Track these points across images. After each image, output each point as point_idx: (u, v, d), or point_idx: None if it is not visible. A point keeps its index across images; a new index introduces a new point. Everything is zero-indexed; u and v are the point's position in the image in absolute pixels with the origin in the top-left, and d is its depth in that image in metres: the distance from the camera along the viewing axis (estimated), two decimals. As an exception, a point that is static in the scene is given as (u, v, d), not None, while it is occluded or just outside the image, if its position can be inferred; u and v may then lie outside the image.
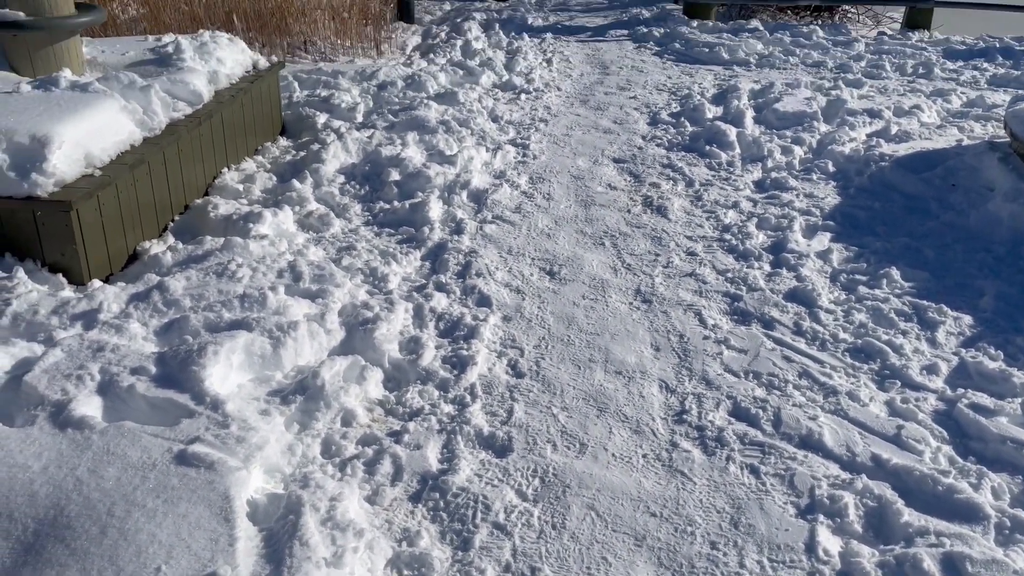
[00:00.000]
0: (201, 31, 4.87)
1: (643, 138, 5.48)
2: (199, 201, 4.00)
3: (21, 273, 2.91)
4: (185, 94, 4.05)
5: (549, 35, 8.32)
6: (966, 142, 5.08)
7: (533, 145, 5.27)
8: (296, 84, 6.05)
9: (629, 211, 4.37)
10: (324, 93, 5.80)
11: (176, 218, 3.84)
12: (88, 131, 3.24)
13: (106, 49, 4.38)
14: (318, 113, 5.38)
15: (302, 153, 4.78)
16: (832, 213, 4.29)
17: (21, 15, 3.61)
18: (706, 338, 3.18)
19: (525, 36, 8.14)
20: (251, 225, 3.65)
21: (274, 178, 4.47)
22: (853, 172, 4.78)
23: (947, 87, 6.56)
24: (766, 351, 3.09)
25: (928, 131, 5.42)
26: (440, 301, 3.34)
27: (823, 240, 3.99)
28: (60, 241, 3.04)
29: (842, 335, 3.18)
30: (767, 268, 3.73)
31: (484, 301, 3.39)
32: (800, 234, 4.05)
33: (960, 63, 7.34)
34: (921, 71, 7.04)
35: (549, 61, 7.34)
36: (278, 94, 5.23)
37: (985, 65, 7.27)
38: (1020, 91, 6.34)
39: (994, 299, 3.41)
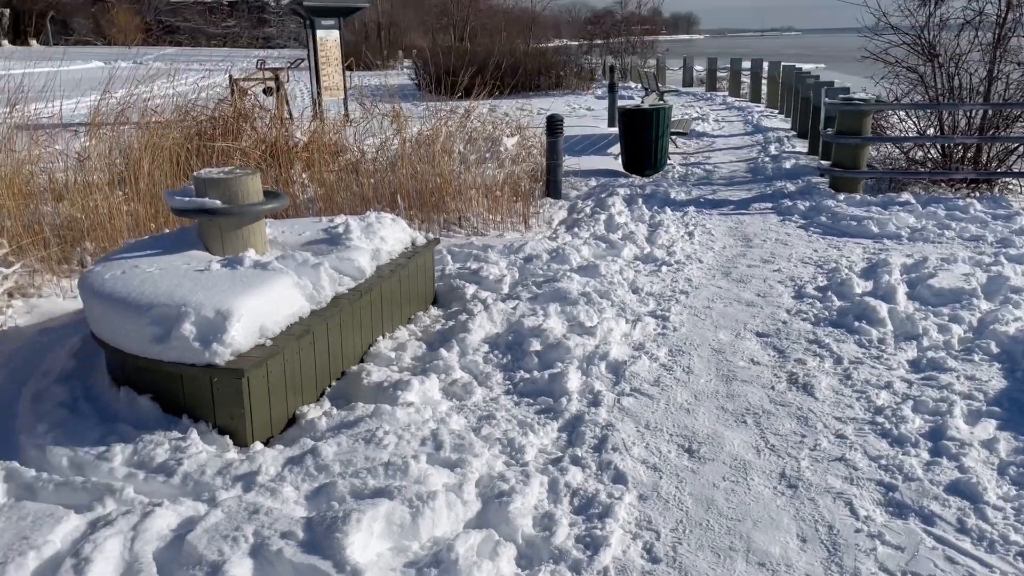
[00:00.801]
0: (368, 212, 5.38)
1: (787, 312, 5.41)
2: (355, 368, 4.28)
3: (194, 434, 3.20)
4: (350, 270, 4.44)
5: (691, 208, 8.53)
6: None
7: (673, 317, 5.32)
8: (449, 257, 6.48)
9: (773, 388, 4.27)
10: (474, 266, 6.17)
11: (333, 383, 4.12)
12: (264, 305, 3.61)
13: (286, 230, 4.92)
14: (468, 284, 5.71)
15: (451, 323, 5.05)
16: (998, 398, 4.01)
17: (218, 203, 4.16)
18: (858, 531, 2.99)
19: (667, 210, 8.39)
20: (399, 392, 3.85)
21: (424, 346, 4.73)
22: (1020, 354, 4.48)
23: None
24: (926, 549, 2.86)
25: (1106, 310, 5.04)
26: (575, 476, 3.35)
27: (988, 428, 3.72)
28: (230, 405, 3.33)
29: (1013, 536, 2.91)
30: (925, 456, 3.51)
31: (620, 478, 3.37)
32: (961, 420, 3.80)
33: None
34: (1095, 245, 6.63)
35: (691, 234, 7.49)
36: (432, 267, 5.61)
37: None
38: None
39: None
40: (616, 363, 4.55)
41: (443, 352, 4.52)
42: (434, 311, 5.43)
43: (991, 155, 9.63)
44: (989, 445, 3.55)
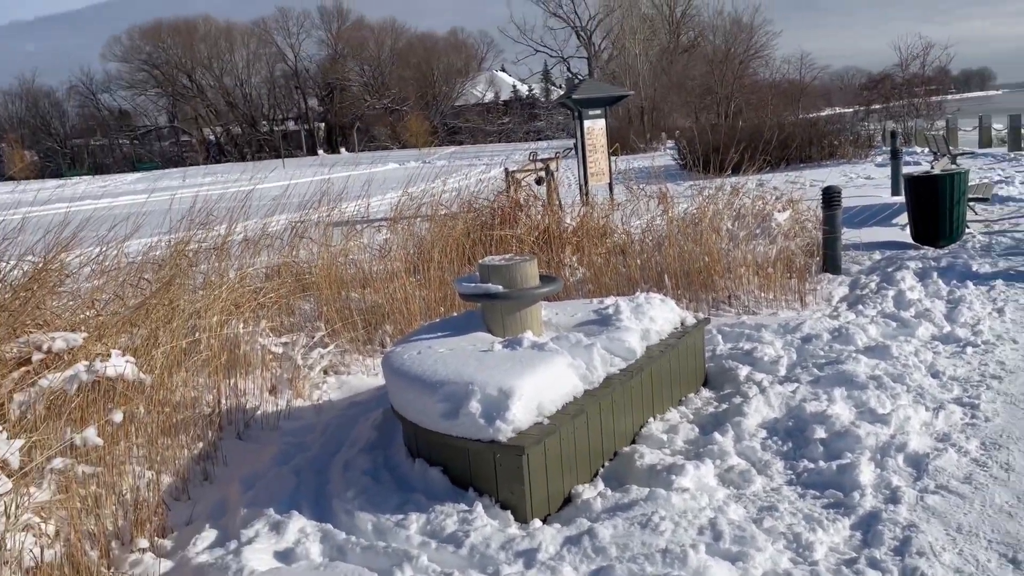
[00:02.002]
0: (637, 293, 5.44)
1: None
2: (626, 449, 4.27)
3: (479, 508, 3.37)
4: (621, 350, 4.49)
5: (999, 282, 7.58)
6: None
7: (984, 405, 4.70)
8: (719, 337, 6.31)
9: (1120, 494, 3.59)
10: (747, 346, 5.95)
11: (606, 464, 4.14)
12: (541, 384, 3.76)
13: (559, 311, 5.11)
14: (740, 366, 5.50)
15: (724, 406, 4.89)
16: None
17: (500, 288, 4.44)
18: None
19: (969, 284, 7.53)
20: (673, 477, 3.77)
21: (696, 429, 4.61)
22: None
23: None
24: None
25: None
26: (873, 581, 3.03)
27: None
28: (511, 481, 3.47)
29: None
30: None
31: (928, 588, 2.99)
32: None
33: None
34: None
35: (1000, 311, 6.63)
36: (702, 347, 5.50)
37: None
38: None
39: None
40: (916, 456, 4.10)
41: (717, 436, 4.37)
42: (705, 393, 5.29)
43: None
44: None
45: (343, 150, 61.77)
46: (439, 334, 4.51)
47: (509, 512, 3.46)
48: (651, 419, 4.71)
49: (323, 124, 67.72)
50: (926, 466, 3.98)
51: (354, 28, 70.06)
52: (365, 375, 5.82)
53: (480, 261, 4.66)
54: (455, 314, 5.25)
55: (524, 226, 8.58)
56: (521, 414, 3.56)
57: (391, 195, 8.59)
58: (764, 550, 3.14)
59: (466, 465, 3.63)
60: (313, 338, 5.80)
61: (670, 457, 4.14)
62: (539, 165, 14.26)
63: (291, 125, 67.91)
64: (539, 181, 13.36)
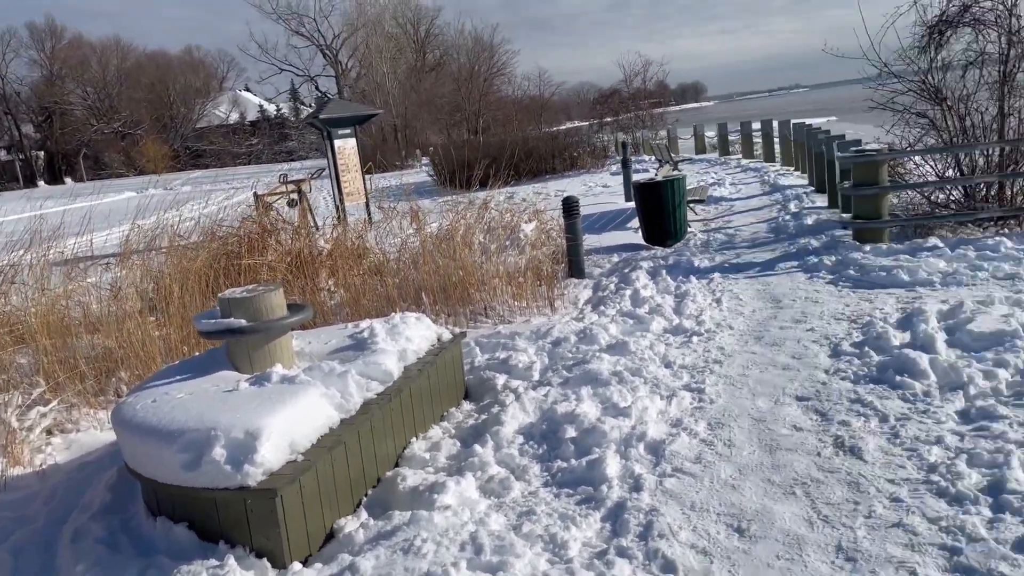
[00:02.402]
0: (392, 314, 5.42)
1: (826, 372, 5.28)
2: (389, 473, 4.23)
3: (231, 560, 3.16)
4: (378, 374, 4.44)
5: (717, 275, 8.48)
6: None
7: (709, 389, 5.22)
8: (477, 349, 6.47)
9: (819, 454, 4.13)
10: (503, 355, 6.14)
11: (369, 492, 4.06)
12: (293, 420, 3.61)
13: (312, 340, 4.96)
14: (497, 375, 5.67)
15: (483, 416, 5.00)
16: (1057, 443, 3.84)
17: (243, 322, 4.22)
18: (925, 603, 2.83)
19: (693, 278, 8.35)
20: (436, 496, 3.79)
21: (458, 444, 4.67)
22: (1074, 393, 4.31)
23: None
24: (1001, 618, 2.68)
25: None
26: (622, 569, 3.23)
27: (1051, 476, 3.55)
28: (265, 526, 3.30)
29: (1095, 595, 2.73)
30: (987, 513, 3.34)
31: (669, 567, 3.25)
32: (1020, 470, 3.63)
33: None
34: None
35: (719, 300, 7.42)
36: (461, 361, 5.60)
37: None
38: None
39: None
40: (655, 443, 4.45)
41: (477, 448, 4.46)
42: (466, 405, 5.39)
43: (1015, 191, 9.52)
44: (1054, 495, 3.38)
45: (68, 180, 55.88)
46: (179, 377, 4.19)
47: (265, 560, 3.28)
48: (413, 439, 4.70)
49: (42, 152, 60.84)
50: (663, 451, 4.33)
51: (72, 47, 63.58)
52: (98, 430, 5.27)
53: (220, 295, 4.39)
54: (198, 354, 4.91)
55: (275, 252, 8.26)
56: (271, 454, 3.40)
57: (124, 227, 7.88)
58: (523, 556, 3.24)
59: (214, 517, 3.40)
60: (31, 395, 5.15)
61: (433, 475, 4.16)
62: (290, 187, 13.83)
63: (3, 155, 60.32)
64: (291, 204, 12.94)
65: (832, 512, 3.54)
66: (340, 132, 13.18)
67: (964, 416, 4.33)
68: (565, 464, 4.26)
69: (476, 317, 7.60)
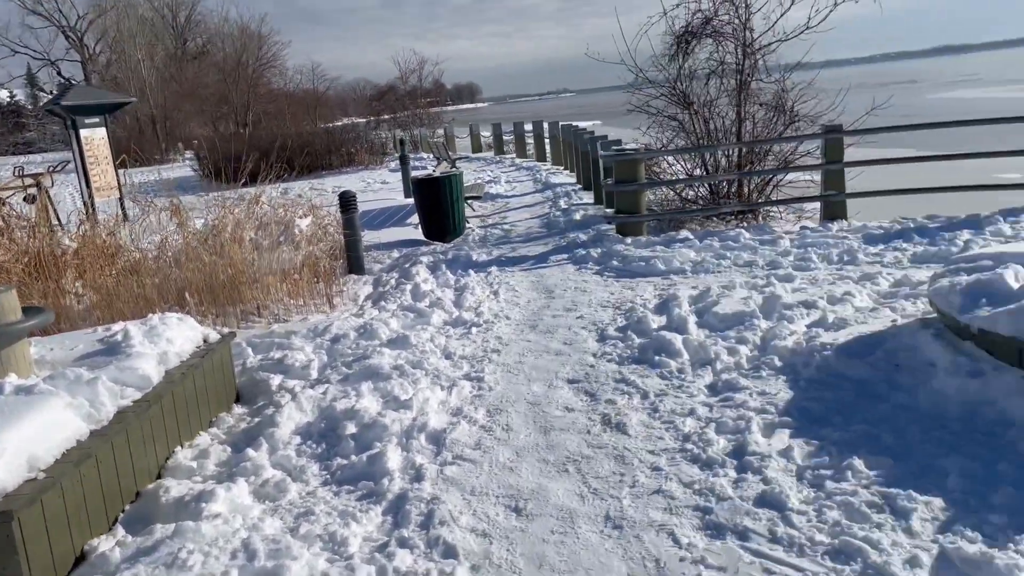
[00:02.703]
0: (150, 315, 5.01)
1: (594, 356, 5.59)
2: (151, 486, 3.89)
3: (-46, 598, 2.75)
4: (134, 380, 4.08)
5: (494, 268, 8.71)
6: (900, 322, 5.29)
7: (487, 377, 5.34)
8: (249, 350, 6.15)
9: (589, 432, 4.36)
10: (278, 355, 5.89)
11: (127, 508, 3.72)
12: (31, 434, 3.21)
13: (55, 346, 4.46)
14: (272, 376, 5.43)
15: (257, 419, 4.76)
16: (787, 408, 4.33)
17: (-33, 327, 3.70)
18: (682, 559, 3.07)
19: (471, 272, 8.51)
20: (204, 504, 3.54)
21: (228, 449, 4.41)
22: (800, 365, 4.89)
23: (873, 270, 6.92)
24: (745, 565, 2.98)
25: (863, 315, 5.65)
26: (404, 559, 3.21)
27: (783, 437, 4.00)
28: (2, 555, 2.90)
29: (819, 536, 3.10)
30: (733, 474, 3.69)
31: (450, 552, 3.27)
32: (760, 434, 4.06)
33: (881, 246, 7.80)
34: (847, 258, 7.45)
35: (496, 293, 7.62)
36: (230, 363, 5.29)
37: (904, 245, 7.74)
38: (939, 266, 6.68)
39: (959, 477, 3.39)
40: (436, 433, 4.47)
41: (251, 452, 4.23)
42: (238, 409, 5.10)
43: (751, 188, 10.66)
44: (786, 454, 3.80)
45: None
46: None
47: (0, 593, 2.89)
48: (179, 448, 4.37)
49: None
50: (444, 441, 4.36)
51: None
52: None
53: (-64, 298, 3.82)
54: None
55: (8, 252, 7.32)
56: (5, 473, 3.00)
57: None
58: (300, 557, 3.12)
59: (-68, 550, 2.93)
60: None
61: (200, 484, 3.89)
62: (27, 181, 12.39)
63: None
64: (29, 199, 11.59)
65: (601, 485, 3.74)
66: (87, 121, 11.99)
67: (712, 389, 4.77)
68: (345, 461, 4.16)
69: (248, 317, 7.23)
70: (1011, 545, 2.87)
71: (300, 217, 9.68)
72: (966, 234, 7.76)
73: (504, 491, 3.78)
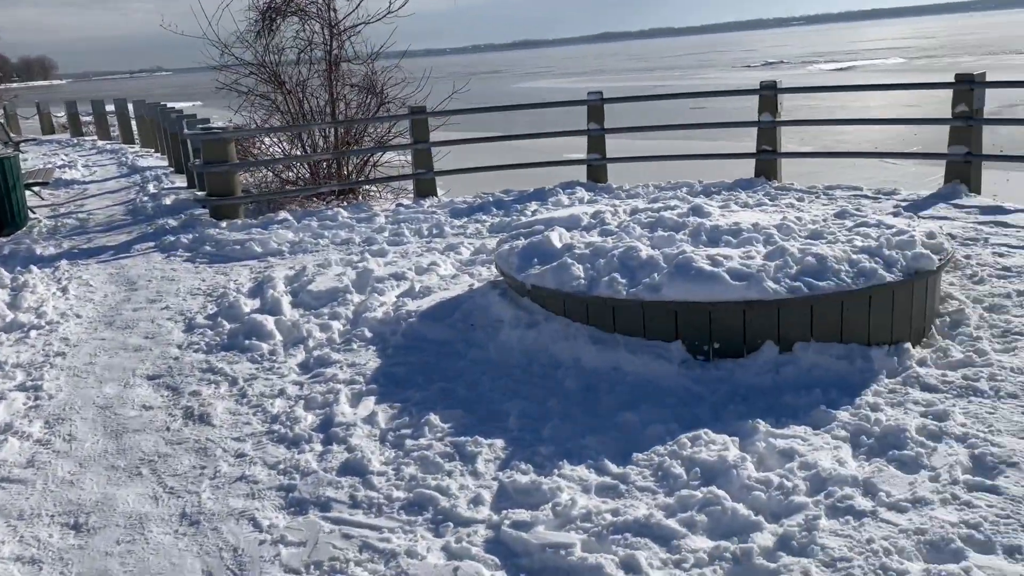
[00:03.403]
0: None
1: (179, 347, 5.19)
2: None
3: None
4: None
5: (64, 262, 7.66)
6: (476, 285, 5.74)
7: (48, 384, 4.67)
8: None
9: (168, 429, 4.03)
10: None
11: None
12: None
13: None
14: None
15: None
16: (375, 376, 4.44)
17: None
18: (262, 542, 2.97)
19: (34, 268, 7.37)
20: None
21: None
22: (388, 333, 5.05)
23: (456, 241, 7.42)
24: (325, 535, 2.97)
25: (445, 282, 6.02)
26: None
27: (368, 405, 4.08)
28: None
29: (396, 493, 3.21)
30: (319, 448, 3.67)
31: (-16, 591, 2.77)
32: (347, 405, 4.10)
33: (465, 219, 8.40)
34: (435, 231, 7.89)
35: (65, 289, 6.70)
36: None
37: (484, 217, 8.43)
38: (507, 234, 7.40)
39: (518, 418, 3.76)
40: (-27, 456, 3.77)
41: None
42: None
43: (350, 168, 10.79)
44: (371, 420, 3.89)
45: None
46: None
47: None
48: None
49: None
50: (-16, 464, 3.70)
51: None
52: None
53: None
54: None
55: None
56: None
57: None
58: None
59: None
60: None
61: None
62: None
63: None
64: None
65: (178, 483, 3.48)
66: None
67: (304, 367, 4.71)
68: None
69: None
70: (555, 471, 3.25)
71: None
72: (534, 205, 8.70)
73: (62, 508, 3.32)
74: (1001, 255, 5.76)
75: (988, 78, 8.01)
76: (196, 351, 5.10)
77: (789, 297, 3.92)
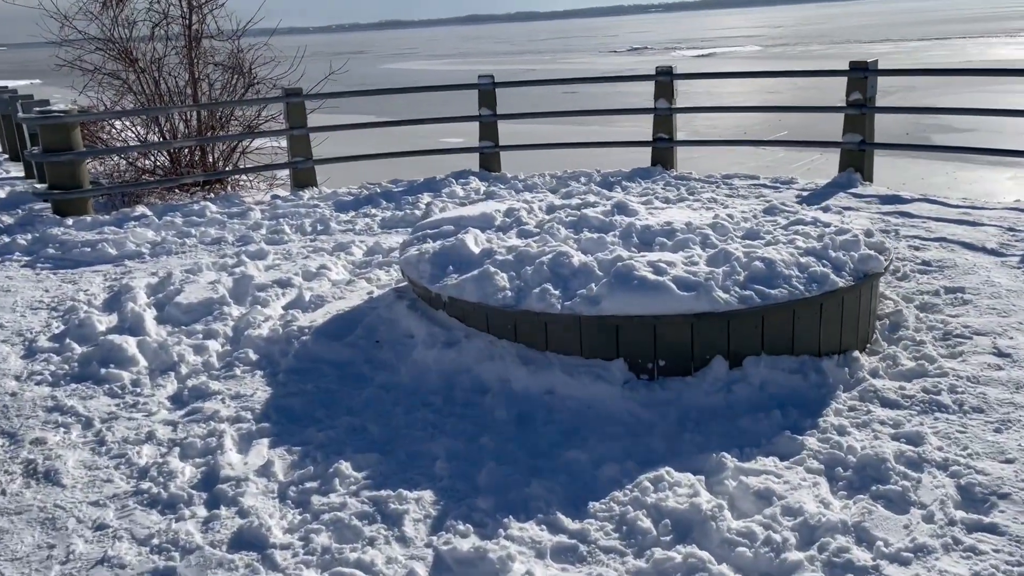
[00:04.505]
0: None
1: (17, 379, 4.29)
2: None
3: None
4: None
5: None
6: (376, 293, 5.09)
7: None
8: None
9: (4, 492, 3.21)
10: None
11: None
12: None
13: None
14: None
15: None
16: (265, 412, 3.75)
17: None
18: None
19: None
20: None
21: None
22: (277, 354, 4.35)
23: (346, 239, 6.71)
24: (220, 644, 2.32)
25: (340, 289, 5.34)
26: None
27: (262, 451, 3.41)
28: None
29: (306, 573, 2.59)
30: (203, 512, 2.99)
31: None
32: (234, 451, 3.41)
33: (352, 213, 7.69)
34: (320, 228, 7.15)
35: None
36: None
37: (373, 211, 7.73)
38: (406, 230, 6.77)
39: (446, 461, 3.21)
40: None
41: None
42: None
43: (216, 156, 9.76)
44: (266, 471, 3.23)
45: None
46: None
47: None
48: None
49: None
50: None
51: None
52: None
53: None
54: None
55: None
56: None
57: None
58: None
59: None
60: None
61: None
62: None
63: None
64: None
65: (18, 570, 2.71)
66: None
67: (177, 400, 3.96)
68: None
69: None
70: (501, 531, 2.73)
71: None
72: (426, 197, 8.08)
73: None
74: (916, 248, 5.68)
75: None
76: (39, 383, 4.22)
77: (740, 308, 3.54)
